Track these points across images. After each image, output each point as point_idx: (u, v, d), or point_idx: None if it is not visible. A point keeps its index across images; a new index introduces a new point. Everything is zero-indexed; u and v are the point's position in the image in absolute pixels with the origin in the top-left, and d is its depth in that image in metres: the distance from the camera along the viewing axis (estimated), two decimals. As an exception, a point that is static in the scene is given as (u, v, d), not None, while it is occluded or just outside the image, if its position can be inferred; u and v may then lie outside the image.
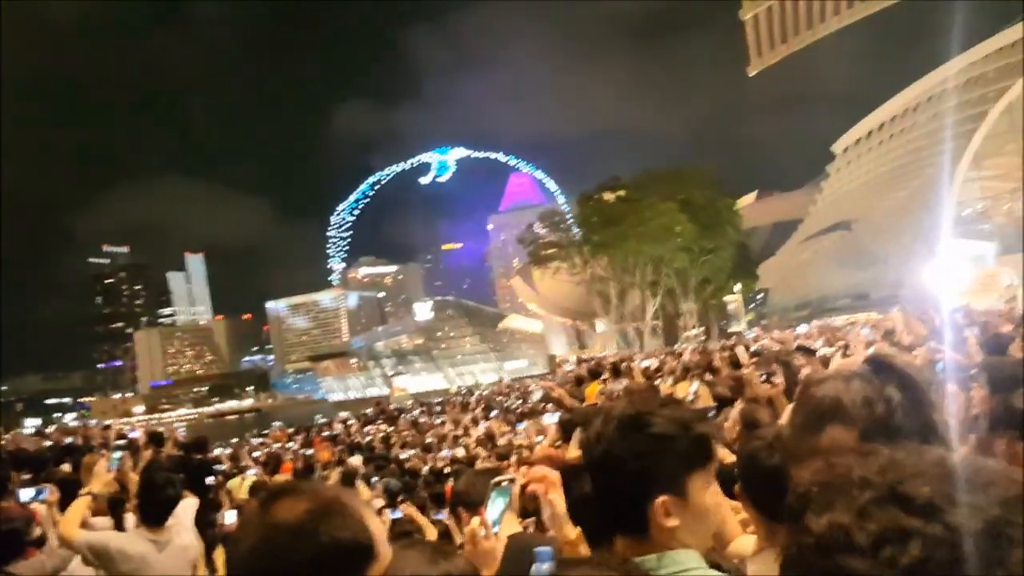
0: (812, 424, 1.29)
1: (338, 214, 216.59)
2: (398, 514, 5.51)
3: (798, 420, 1.34)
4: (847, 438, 1.25)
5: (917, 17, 57.09)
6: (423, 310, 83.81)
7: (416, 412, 25.00)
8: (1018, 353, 5.40)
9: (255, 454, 13.67)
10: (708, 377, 8.37)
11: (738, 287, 62.80)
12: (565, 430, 5.05)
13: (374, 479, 8.62)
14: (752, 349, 12.29)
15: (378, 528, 1.20)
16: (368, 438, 15.92)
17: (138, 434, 10.45)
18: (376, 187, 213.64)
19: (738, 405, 4.93)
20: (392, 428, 18.25)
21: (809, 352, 7.82)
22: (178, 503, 4.31)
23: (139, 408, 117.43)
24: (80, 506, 4.14)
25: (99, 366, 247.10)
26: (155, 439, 9.20)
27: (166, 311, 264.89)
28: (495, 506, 2.16)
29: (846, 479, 0.60)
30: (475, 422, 13.50)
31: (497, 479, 2.24)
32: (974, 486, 0.56)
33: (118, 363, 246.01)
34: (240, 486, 8.68)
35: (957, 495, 0.55)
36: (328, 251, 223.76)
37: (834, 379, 1.34)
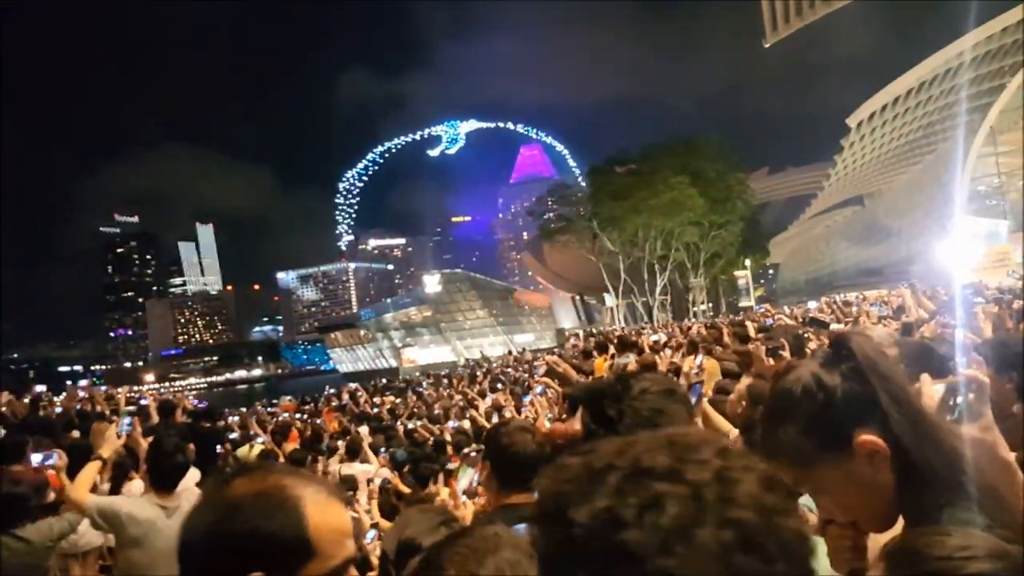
0: (769, 422, 1.30)
1: (346, 181, 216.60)
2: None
3: (763, 418, 1.34)
4: (792, 437, 1.25)
5: (935, -11, 56.15)
6: (432, 282, 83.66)
7: (425, 384, 25.14)
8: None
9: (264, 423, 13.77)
10: (717, 350, 8.37)
11: (748, 262, 62.56)
12: (571, 404, 5.06)
13: (382, 449, 8.69)
14: (765, 323, 12.28)
15: (327, 524, 1.10)
16: (376, 409, 16.03)
17: (148, 401, 10.54)
18: (385, 156, 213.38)
19: (745, 380, 4.92)
20: (400, 400, 18.38)
21: (822, 325, 7.81)
22: (188, 469, 4.35)
23: (150, 376, 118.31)
24: (91, 471, 4.19)
25: (110, 335, 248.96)
26: (165, 407, 9.28)
27: (176, 281, 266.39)
28: (464, 477, 2.23)
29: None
30: (482, 395, 13.54)
31: (465, 451, 2.32)
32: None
33: (128, 332, 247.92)
34: (248, 454, 8.75)
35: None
36: (337, 219, 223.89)
37: (796, 369, 1.33)
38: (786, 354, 5.50)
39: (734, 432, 3.34)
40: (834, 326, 7.83)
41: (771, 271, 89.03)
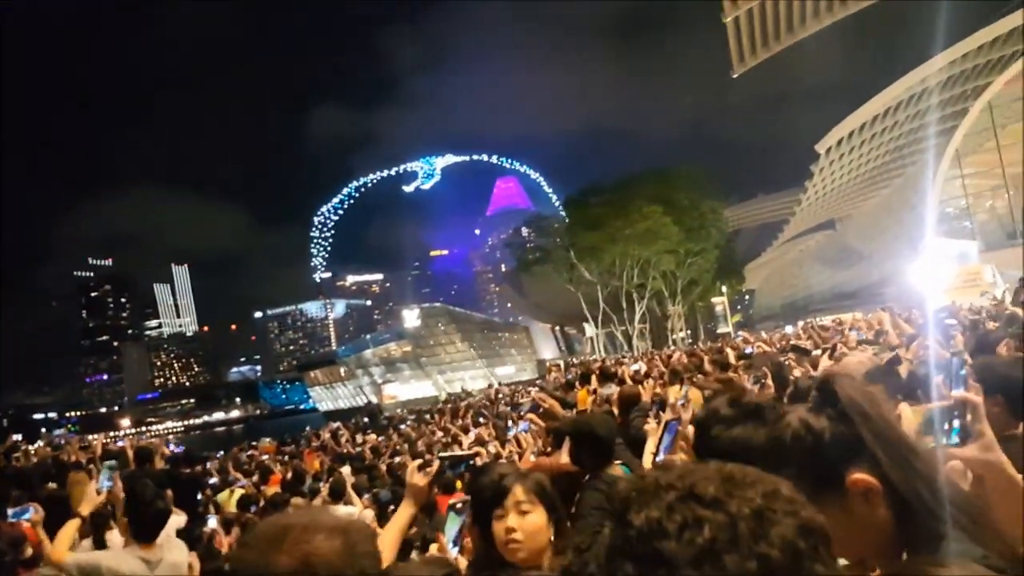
0: (763, 470, 1.35)
1: (321, 215, 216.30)
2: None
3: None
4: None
5: (897, 16, 57.64)
6: (411, 317, 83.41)
7: (409, 421, 24.95)
8: (1005, 352, 5.42)
9: (244, 466, 13.56)
10: (698, 378, 8.40)
11: (724, 289, 63.09)
12: (556, 438, 5.05)
13: (364, 492, 8.57)
14: (745, 351, 12.37)
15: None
16: (359, 448, 15.85)
17: (124, 444, 10.35)
18: (360, 191, 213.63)
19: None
20: (382, 438, 18.19)
21: (803, 352, 7.88)
22: (168, 517, 4.27)
23: (126, 421, 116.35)
24: (70, 529, 4.09)
25: (86, 380, 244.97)
26: (142, 454, 9.11)
27: (152, 323, 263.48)
28: (452, 526, 2.21)
29: (656, 485, 0.81)
30: (465, 429, 13.45)
31: (453, 502, 2.29)
32: (743, 484, 0.80)
33: (104, 377, 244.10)
34: (228, 499, 8.60)
35: (732, 492, 0.78)
36: (312, 252, 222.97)
37: (785, 416, 1.36)
38: (769, 383, 5.55)
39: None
40: (815, 352, 7.89)
41: (747, 297, 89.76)
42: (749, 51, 43.60)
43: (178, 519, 5.59)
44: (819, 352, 7.57)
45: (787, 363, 6.94)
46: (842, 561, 1.33)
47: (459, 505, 2.26)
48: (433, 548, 2.13)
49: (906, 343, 6.88)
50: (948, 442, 1.52)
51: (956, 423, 1.53)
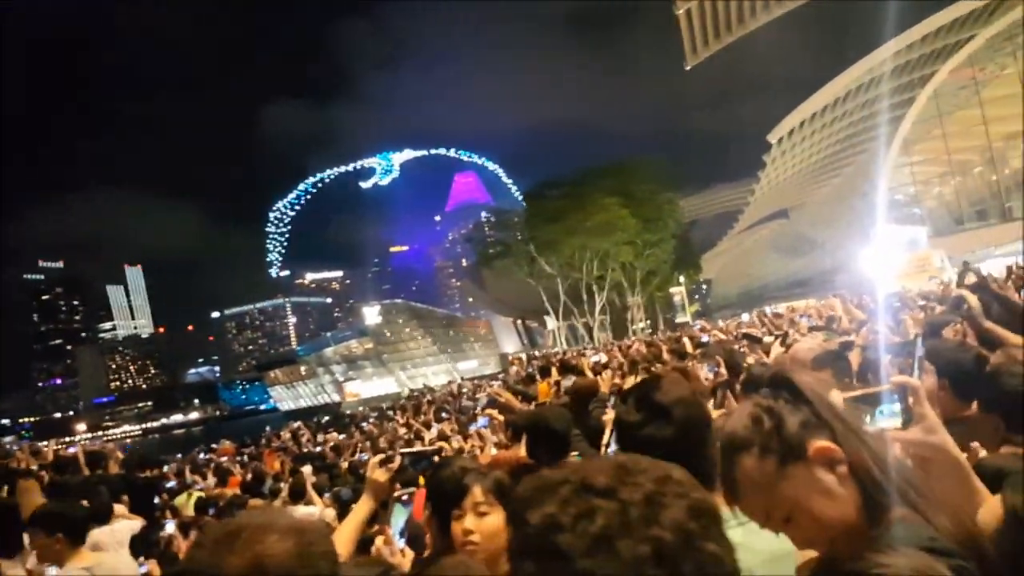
0: (726, 462, 1.34)
1: (277, 211, 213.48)
2: None
3: (720, 463, 1.38)
4: (753, 464, 1.29)
5: (845, 6, 58.64)
6: (372, 314, 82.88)
7: (371, 418, 24.79)
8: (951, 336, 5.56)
9: (203, 469, 13.36)
10: (656, 367, 8.49)
11: (682, 279, 63.81)
12: (514, 432, 5.07)
13: (326, 491, 8.49)
14: (702, 340, 12.53)
15: None
16: (319, 448, 15.72)
17: (76, 450, 10.11)
18: (317, 186, 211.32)
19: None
20: (344, 436, 18.06)
21: (755, 340, 8.01)
22: (86, 523, 4.13)
23: (81, 426, 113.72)
24: None
25: (39, 385, 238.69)
26: (94, 458, 8.91)
27: (106, 325, 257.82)
28: (399, 519, 2.20)
29: (551, 482, 0.84)
30: (427, 425, 13.41)
31: (398, 493, 2.28)
32: (634, 472, 0.84)
33: (58, 381, 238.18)
34: (186, 502, 8.47)
35: (623, 480, 0.82)
36: (268, 248, 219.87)
37: (737, 409, 1.39)
38: (723, 370, 5.63)
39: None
40: (767, 339, 8.03)
41: (704, 286, 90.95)
42: (701, 43, 44.00)
43: (132, 524, 5.49)
44: (771, 339, 7.71)
45: (741, 351, 7.05)
46: (811, 553, 1.36)
47: (404, 497, 2.25)
48: (379, 541, 2.11)
49: (856, 328, 7.03)
50: (897, 425, 1.54)
51: (898, 406, 1.55)
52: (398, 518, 2.21)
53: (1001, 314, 4.41)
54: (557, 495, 0.82)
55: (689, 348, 10.63)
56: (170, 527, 6.47)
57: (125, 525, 5.19)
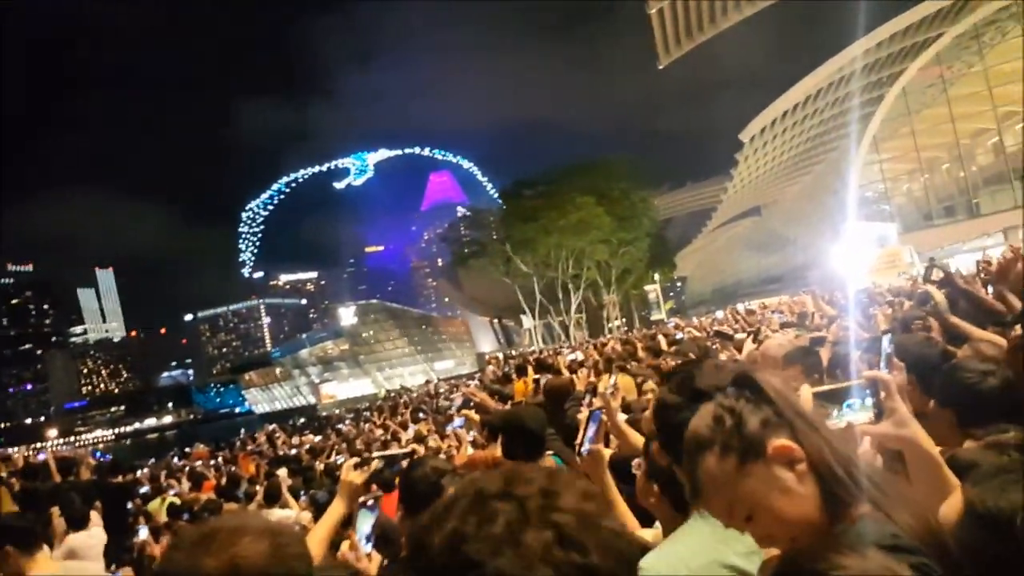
0: (690, 464, 1.36)
1: (250, 211, 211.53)
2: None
3: (684, 465, 1.39)
4: (715, 462, 1.31)
5: (815, 6, 59.36)
6: (347, 315, 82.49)
7: (347, 420, 24.66)
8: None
9: (176, 473, 13.22)
10: (631, 365, 8.53)
11: (657, 276, 64.16)
12: (490, 432, 5.07)
13: (302, 493, 8.45)
14: (676, 337, 12.60)
15: None
16: (295, 450, 15.61)
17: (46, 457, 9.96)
18: (291, 186, 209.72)
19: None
20: (319, 438, 17.96)
21: (726, 337, 8.07)
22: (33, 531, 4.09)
23: (53, 432, 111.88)
24: None
25: (9, 391, 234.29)
26: (66, 465, 8.80)
27: (77, 329, 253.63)
28: (364, 524, 2.21)
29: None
30: (404, 426, 13.37)
31: (363, 498, 2.30)
32: (523, 473, 0.90)
33: (28, 387, 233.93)
34: (160, 508, 8.39)
35: (514, 480, 0.88)
36: (241, 248, 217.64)
37: (701, 409, 1.40)
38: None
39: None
40: (738, 336, 8.11)
41: (679, 284, 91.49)
42: (674, 42, 44.36)
43: (98, 535, 5.43)
44: (743, 336, 7.78)
45: (713, 347, 7.12)
46: (774, 551, 1.37)
47: (370, 502, 2.25)
48: (344, 546, 2.12)
49: (826, 324, 7.12)
50: (868, 420, 1.55)
51: (869, 400, 1.57)
52: (363, 523, 2.21)
53: (967, 309, 4.48)
54: (455, 510, 0.86)
55: (664, 345, 10.69)
56: (143, 533, 6.40)
57: (96, 536, 5.13)
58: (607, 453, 2.82)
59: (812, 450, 1.28)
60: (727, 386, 1.41)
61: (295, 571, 1.22)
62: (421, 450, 7.57)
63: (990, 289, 4.94)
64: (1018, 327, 2.62)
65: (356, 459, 2.77)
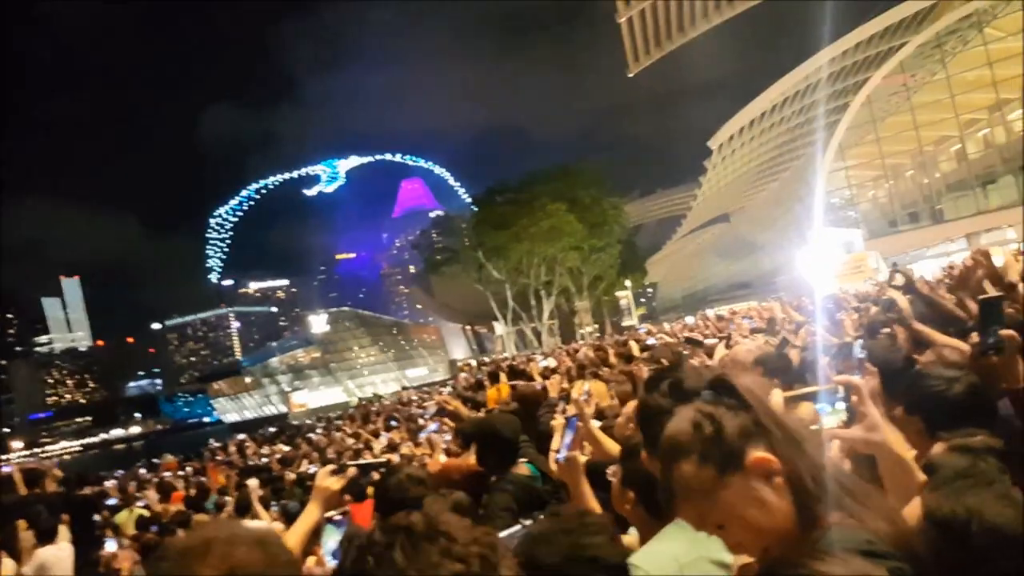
0: (667, 467, 1.35)
1: (217, 217, 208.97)
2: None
3: (660, 466, 1.38)
4: (692, 471, 1.30)
5: (781, 15, 60.17)
6: (318, 322, 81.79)
7: (318, 429, 24.42)
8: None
9: (144, 485, 13.02)
10: (604, 371, 8.57)
11: (628, 283, 64.50)
12: (464, 440, 5.08)
13: (273, 504, 8.36)
14: (648, 343, 12.67)
15: None
16: (266, 460, 15.44)
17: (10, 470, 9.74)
18: (261, 193, 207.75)
19: (632, 403, 5.06)
20: (290, 448, 17.77)
21: (696, 343, 8.15)
22: None
23: (18, 443, 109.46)
24: None
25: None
26: (32, 477, 8.61)
27: (42, 339, 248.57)
28: (330, 540, 2.22)
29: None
30: (376, 434, 13.29)
31: (329, 514, 2.30)
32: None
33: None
34: (128, 519, 8.25)
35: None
36: (208, 254, 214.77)
37: (680, 412, 1.39)
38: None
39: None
40: (708, 341, 8.19)
41: (650, 290, 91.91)
42: (643, 50, 44.69)
43: (64, 549, 5.33)
44: (715, 341, 7.86)
45: (684, 353, 7.18)
46: (746, 559, 1.38)
47: (337, 517, 2.26)
48: (311, 561, 2.11)
49: (794, 329, 7.22)
50: (840, 424, 1.57)
51: (840, 405, 1.59)
52: (329, 538, 2.21)
53: (928, 314, 4.57)
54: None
55: (636, 351, 10.75)
56: (111, 545, 6.30)
57: (64, 551, 5.03)
58: (583, 460, 2.84)
59: (788, 462, 1.27)
60: (704, 389, 1.40)
61: None
62: (395, 459, 7.54)
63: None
64: (974, 334, 2.67)
65: (332, 466, 2.75)
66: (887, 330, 4.66)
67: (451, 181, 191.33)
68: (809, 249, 34.98)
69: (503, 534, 2.20)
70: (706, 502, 1.28)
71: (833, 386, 1.62)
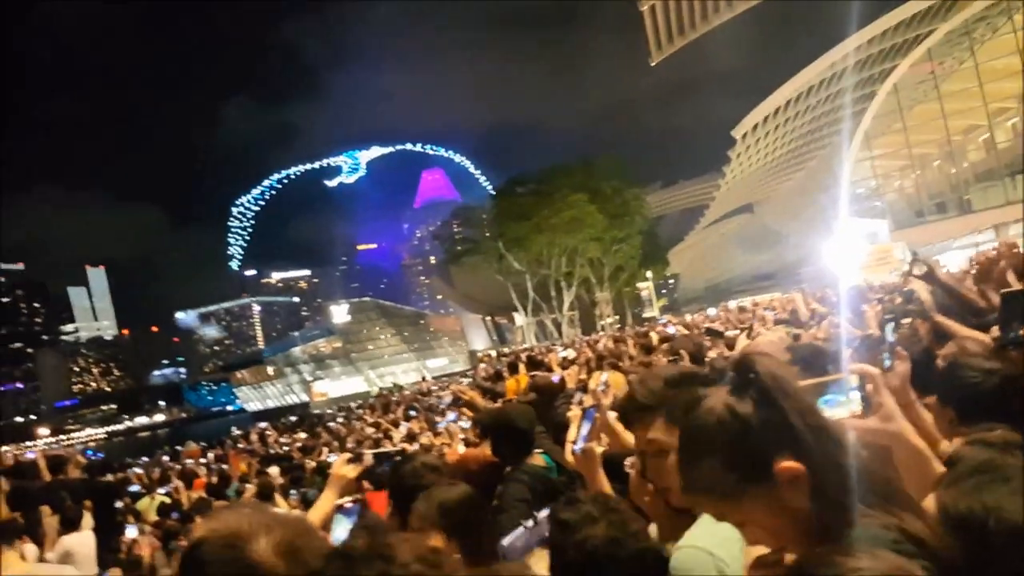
0: (688, 457, 1.29)
1: (240, 206, 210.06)
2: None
3: (681, 453, 1.32)
4: (716, 473, 1.25)
5: (807, 3, 59.45)
6: (340, 313, 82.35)
7: (339, 418, 24.59)
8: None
9: (167, 472, 13.17)
10: (623, 362, 8.53)
11: (650, 274, 64.27)
12: (482, 430, 5.06)
13: (292, 491, 8.42)
14: (668, 333, 12.62)
15: None
16: (286, 448, 15.57)
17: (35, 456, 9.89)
18: (283, 183, 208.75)
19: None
20: (310, 436, 17.91)
21: (717, 335, 8.09)
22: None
23: (44, 431, 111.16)
24: None
25: (0, 389, 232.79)
26: (55, 464, 8.72)
27: (68, 328, 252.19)
28: (339, 529, 2.21)
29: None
30: (396, 424, 13.35)
31: (340, 501, 2.29)
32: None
33: (18, 385, 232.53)
34: (149, 506, 8.34)
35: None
36: (230, 242, 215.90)
37: (707, 399, 1.30)
38: (686, 363, 5.67)
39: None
40: (729, 333, 8.12)
41: (672, 281, 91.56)
42: (666, 38, 44.36)
43: (86, 538, 5.38)
44: (736, 333, 7.79)
45: (705, 344, 7.13)
46: (762, 549, 1.34)
47: (348, 506, 2.25)
48: None
49: (816, 321, 7.14)
50: (853, 413, 1.54)
51: (856, 394, 1.56)
52: (338, 527, 2.20)
53: (948, 305, 4.49)
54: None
55: (655, 343, 10.70)
56: (132, 532, 6.36)
57: (87, 538, 5.09)
58: (600, 451, 2.80)
59: (817, 468, 1.20)
60: (729, 373, 1.31)
61: (315, 565, 1.25)
62: (410, 449, 7.55)
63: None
64: (995, 327, 2.61)
65: (348, 455, 2.75)
66: (907, 321, 4.58)
67: (472, 170, 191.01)
68: (834, 240, 34.58)
69: (509, 537, 2.18)
70: (726, 506, 1.24)
71: (847, 375, 1.57)
